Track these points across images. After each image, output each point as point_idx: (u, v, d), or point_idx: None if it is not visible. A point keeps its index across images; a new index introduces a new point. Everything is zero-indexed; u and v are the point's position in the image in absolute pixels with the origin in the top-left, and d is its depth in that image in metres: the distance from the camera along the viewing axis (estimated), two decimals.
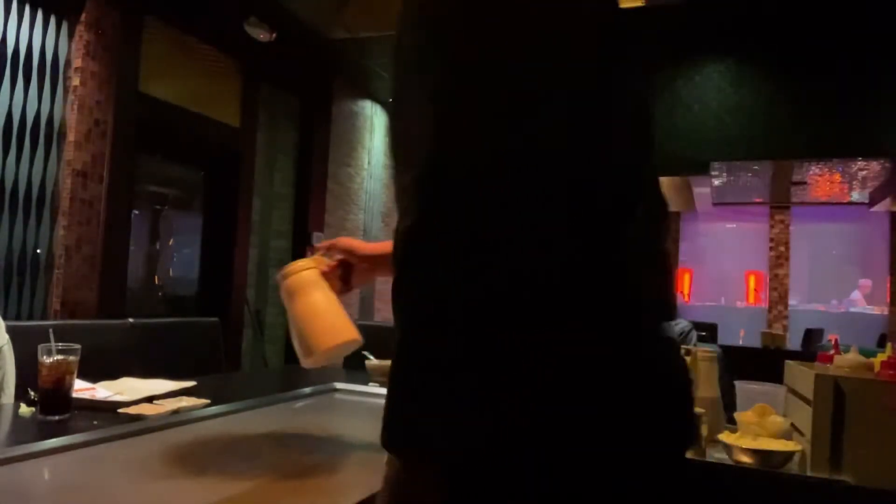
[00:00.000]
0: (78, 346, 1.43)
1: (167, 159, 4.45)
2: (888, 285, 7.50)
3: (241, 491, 1.07)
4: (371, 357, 2.15)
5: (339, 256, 1.30)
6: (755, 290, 8.39)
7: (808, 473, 1.23)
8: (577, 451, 0.62)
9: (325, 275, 1.24)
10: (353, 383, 2.03)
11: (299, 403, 1.79)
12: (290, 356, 4.45)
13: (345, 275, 1.29)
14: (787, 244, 7.70)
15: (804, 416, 1.29)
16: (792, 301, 7.79)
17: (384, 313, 6.11)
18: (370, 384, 2.04)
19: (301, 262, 1.23)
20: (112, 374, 1.71)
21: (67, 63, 3.50)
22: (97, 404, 1.49)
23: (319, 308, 1.20)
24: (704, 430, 1.30)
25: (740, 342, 7.29)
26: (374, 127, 6.32)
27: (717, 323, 6.28)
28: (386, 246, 1.24)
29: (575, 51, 0.67)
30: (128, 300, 3.85)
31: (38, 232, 3.38)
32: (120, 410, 1.45)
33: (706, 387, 1.49)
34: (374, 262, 1.28)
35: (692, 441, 0.80)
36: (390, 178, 5.80)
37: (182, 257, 4.81)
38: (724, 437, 1.34)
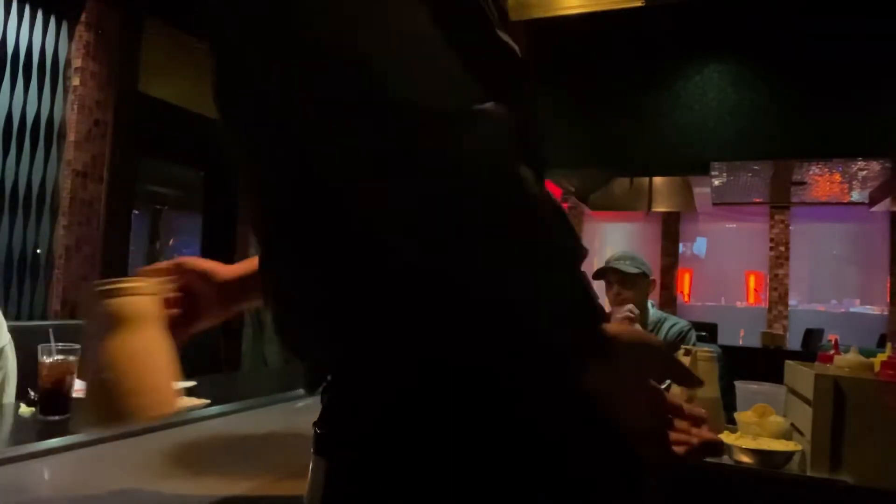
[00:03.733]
0: (78, 346, 1.42)
1: (167, 159, 4.44)
2: (888, 285, 7.50)
3: (241, 491, 1.07)
4: None
5: (178, 283, 0.87)
6: (755, 290, 8.38)
7: (808, 473, 1.23)
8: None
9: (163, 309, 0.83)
10: None
11: (299, 403, 1.79)
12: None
13: (188, 310, 0.87)
14: (787, 244, 7.70)
15: (804, 416, 1.29)
16: (792, 301, 7.79)
17: None
18: None
19: (138, 283, 0.80)
20: None
21: (67, 63, 3.50)
22: None
23: (151, 358, 0.78)
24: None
25: (740, 342, 7.30)
26: None
27: (717, 323, 6.30)
28: (250, 265, 0.88)
29: None
30: None
31: (38, 232, 3.37)
32: None
33: (706, 387, 1.48)
34: (235, 291, 0.89)
35: None
36: None
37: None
38: (724, 437, 1.34)
